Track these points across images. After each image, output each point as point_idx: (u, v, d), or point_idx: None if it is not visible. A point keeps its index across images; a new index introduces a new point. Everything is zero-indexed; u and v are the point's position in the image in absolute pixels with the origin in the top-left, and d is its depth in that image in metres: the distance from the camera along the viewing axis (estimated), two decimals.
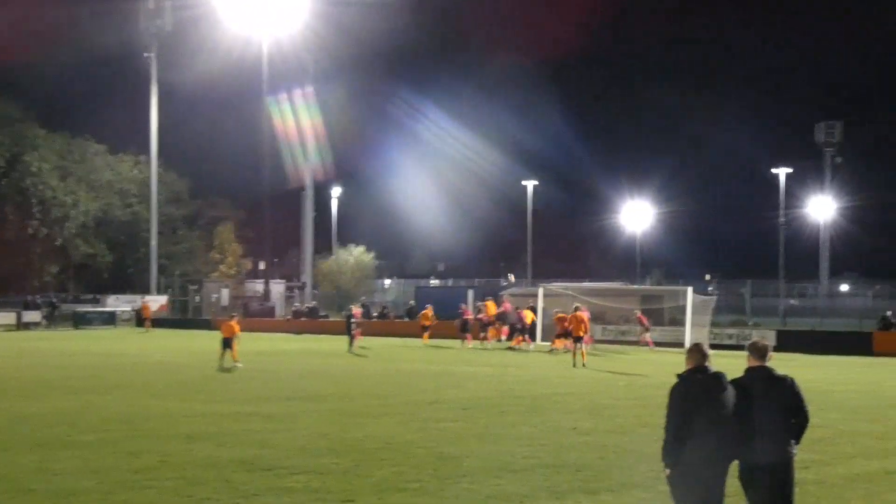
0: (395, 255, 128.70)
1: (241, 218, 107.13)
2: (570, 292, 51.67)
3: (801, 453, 10.06)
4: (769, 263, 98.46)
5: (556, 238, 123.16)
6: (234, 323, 34.81)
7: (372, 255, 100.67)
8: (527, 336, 47.52)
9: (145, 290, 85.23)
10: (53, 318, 73.21)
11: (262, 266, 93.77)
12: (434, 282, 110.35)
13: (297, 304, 79.44)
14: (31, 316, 71.92)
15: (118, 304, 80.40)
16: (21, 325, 69.89)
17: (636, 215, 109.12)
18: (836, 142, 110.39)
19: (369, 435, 18.15)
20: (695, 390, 9.50)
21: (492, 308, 50.01)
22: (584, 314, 42.40)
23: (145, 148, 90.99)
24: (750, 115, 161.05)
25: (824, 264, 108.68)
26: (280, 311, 79.65)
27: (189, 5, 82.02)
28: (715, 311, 50.42)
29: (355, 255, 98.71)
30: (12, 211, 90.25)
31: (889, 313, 48.75)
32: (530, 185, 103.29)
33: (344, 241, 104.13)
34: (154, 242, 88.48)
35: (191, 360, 37.53)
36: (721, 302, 58.85)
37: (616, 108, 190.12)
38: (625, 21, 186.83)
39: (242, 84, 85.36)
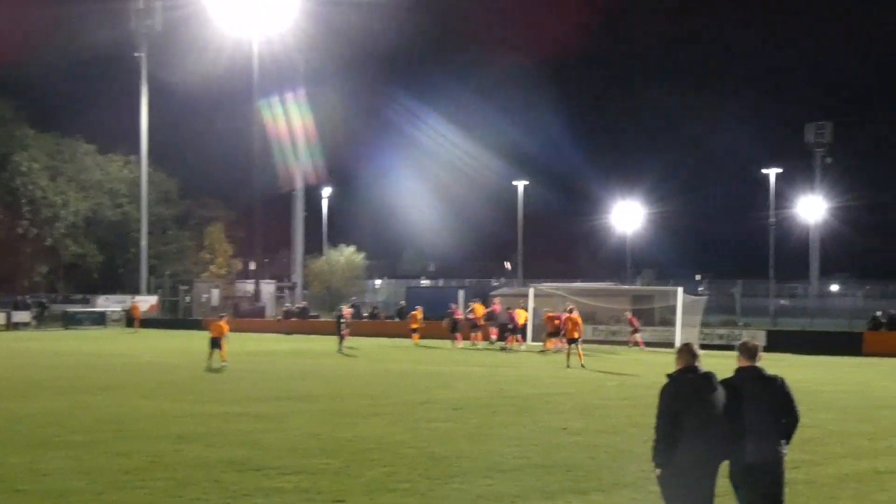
0: (386, 255, 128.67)
1: (231, 218, 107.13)
2: (561, 292, 51.74)
3: (791, 453, 10.06)
4: (759, 264, 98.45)
5: (547, 238, 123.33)
6: (222, 323, 34.82)
7: (362, 255, 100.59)
8: (518, 336, 47.54)
9: (135, 291, 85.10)
10: (43, 319, 73.05)
11: (252, 266, 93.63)
12: (425, 282, 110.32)
13: (287, 304, 79.32)
14: (21, 316, 71.73)
15: (108, 304, 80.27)
16: (10, 326, 69.70)
17: (627, 215, 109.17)
18: (826, 142, 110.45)
19: (360, 435, 18.15)
20: (685, 390, 9.50)
21: (479, 310, 49.95)
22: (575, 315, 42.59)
23: (135, 148, 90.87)
24: (740, 116, 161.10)
25: (814, 264, 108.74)
26: (270, 312, 79.53)
27: (179, 5, 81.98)
28: (705, 312, 50.46)
29: (346, 255, 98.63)
30: (2, 211, 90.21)
31: (879, 313, 48.87)
32: (521, 185, 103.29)
33: (334, 241, 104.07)
34: (144, 242, 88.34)
35: (181, 361, 37.48)
36: (711, 302, 58.87)
37: (607, 109, 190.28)
38: (616, 22, 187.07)
39: (233, 84, 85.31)
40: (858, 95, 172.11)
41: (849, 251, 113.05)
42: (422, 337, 50.90)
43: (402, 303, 67.96)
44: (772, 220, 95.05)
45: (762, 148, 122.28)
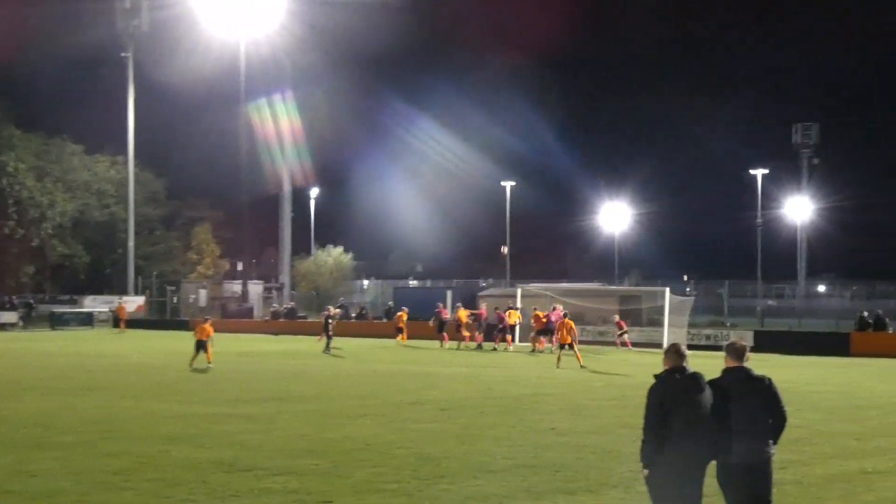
0: (374, 256, 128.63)
1: (218, 218, 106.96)
2: (549, 293, 51.78)
3: (778, 453, 10.09)
4: (747, 264, 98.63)
5: (535, 239, 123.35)
6: (207, 326, 34.80)
7: (350, 255, 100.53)
8: (507, 336, 47.49)
9: (123, 291, 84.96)
10: (30, 319, 72.88)
11: (239, 267, 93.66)
12: (413, 282, 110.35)
13: (275, 304, 79.30)
14: (8, 317, 71.59)
15: (95, 304, 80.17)
16: None
17: (614, 216, 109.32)
18: (813, 143, 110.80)
19: (348, 436, 18.14)
20: (672, 391, 9.52)
21: (463, 316, 49.72)
22: (557, 315, 42.71)
23: (122, 148, 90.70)
24: (727, 117, 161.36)
25: (801, 265, 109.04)
26: (258, 312, 79.49)
27: (166, 5, 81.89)
28: (692, 312, 50.54)
29: (333, 255, 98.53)
30: None
31: (866, 314, 49.00)
32: (508, 185, 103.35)
33: (322, 242, 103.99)
34: (131, 243, 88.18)
35: (168, 361, 37.41)
36: (699, 302, 59.03)
37: (594, 111, 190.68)
38: (604, 25, 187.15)
39: (221, 85, 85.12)
40: (845, 96, 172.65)
41: (836, 252, 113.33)
42: (408, 337, 50.81)
43: (390, 303, 67.96)
44: (759, 220, 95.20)
45: (749, 149, 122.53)
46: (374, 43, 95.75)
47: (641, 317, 54.51)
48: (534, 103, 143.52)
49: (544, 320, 45.17)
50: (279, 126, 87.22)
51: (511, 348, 46.35)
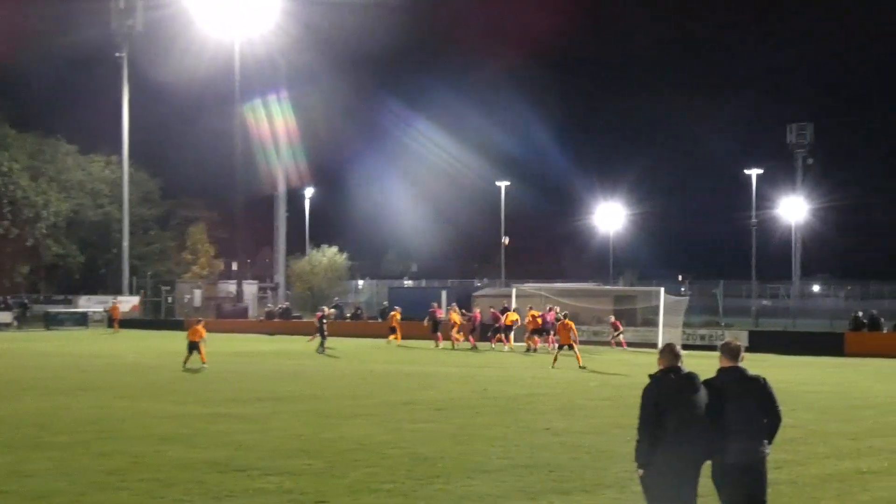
0: (369, 256, 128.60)
1: (213, 218, 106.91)
2: (544, 293, 51.81)
3: (773, 453, 10.09)
4: (741, 264, 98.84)
5: (530, 239, 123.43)
6: (200, 327, 34.83)
7: (345, 255, 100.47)
8: (502, 336, 47.45)
9: (117, 291, 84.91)
10: (24, 319, 72.82)
11: (234, 267, 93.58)
12: (408, 282, 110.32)
13: (269, 304, 79.27)
14: (2, 317, 71.57)
15: (90, 304, 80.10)
16: None
17: (609, 216, 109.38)
18: (808, 143, 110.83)
19: (343, 436, 18.13)
20: (667, 391, 9.52)
21: (455, 317, 49.53)
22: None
23: (117, 148, 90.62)
24: (722, 117, 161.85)
25: (796, 265, 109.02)
26: (253, 312, 79.48)
27: (160, 5, 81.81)
28: (687, 312, 50.57)
29: (328, 255, 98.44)
30: None
31: (860, 314, 49.08)
32: (503, 185, 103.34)
33: (317, 242, 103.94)
34: (126, 243, 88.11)
35: (163, 362, 37.37)
36: (693, 302, 59.11)
37: (589, 111, 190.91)
38: (600, 26, 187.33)
39: (215, 85, 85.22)
40: (840, 97, 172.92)
41: (830, 252, 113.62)
42: (403, 337, 50.73)
43: (386, 303, 67.94)
44: (754, 220, 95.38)
45: (744, 149, 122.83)
46: (369, 42, 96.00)
47: (636, 317, 54.58)
48: (529, 103, 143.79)
49: (539, 321, 45.19)
50: (274, 126, 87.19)
51: (507, 348, 46.32)
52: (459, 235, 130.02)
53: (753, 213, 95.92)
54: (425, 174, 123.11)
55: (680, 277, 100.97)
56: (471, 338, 48.72)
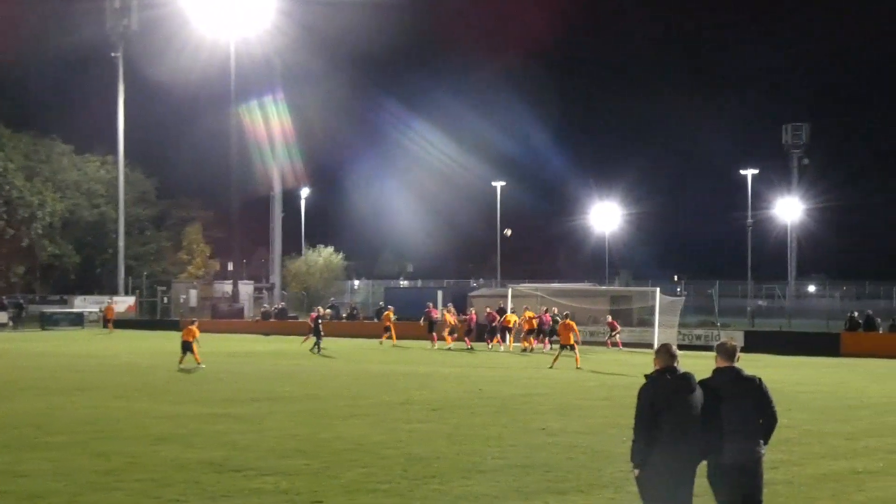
0: (365, 256, 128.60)
1: (208, 218, 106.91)
2: (539, 293, 51.78)
3: (769, 453, 10.10)
4: (737, 265, 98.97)
5: (526, 239, 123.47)
6: (194, 327, 34.87)
7: (341, 255, 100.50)
8: (497, 336, 47.41)
9: (113, 291, 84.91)
10: (20, 320, 72.66)
11: (230, 267, 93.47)
12: (403, 283, 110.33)
13: (265, 305, 79.21)
14: None
15: (85, 304, 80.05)
16: None
17: (605, 217, 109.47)
18: (803, 143, 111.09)
19: (339, 436, 18.13)
20: (663, 391, 9.52)
21: (450, 318, 49.42)
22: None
23: (112, 148, 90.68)
24: (718, 117, 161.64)
25: (792, 265, 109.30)
26: (249, 313, 79.39)
27: (156, 4, 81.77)
28: (683, 312, 50.54)
29: (324, 255, 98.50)
30: None
31: (856, 314, 49.08)
32: (499, 185, 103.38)
33: (313, 242, 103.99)
34: (121, 243, 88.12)
35: (159, 362, 37.34)
36: (689, 303, 59.09)
37: (585, 111, 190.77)
38: (595, 26, 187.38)
39: (211, 84, 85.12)
40: (835, 97, 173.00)
41: (826, 252, 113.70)
42: (398, 337, 50.58)
43: (382, 303, 67.90)
44: (749, 221, 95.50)
45: (740, 149, 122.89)
46: (364, 42, 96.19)
47: (632, 317, 54.58)
48: (525, 103, 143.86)
49: (535, 323, 45.17)
50: (270, 126, 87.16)
51: (502, 348, 46.29)
52: (455, 236, 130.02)
53: (749, 213, 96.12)
54: (421, 174, 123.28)
55: (676, 277, 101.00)
56: (466, 339, 48.64)
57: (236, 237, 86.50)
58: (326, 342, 44.86)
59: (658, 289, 49.57)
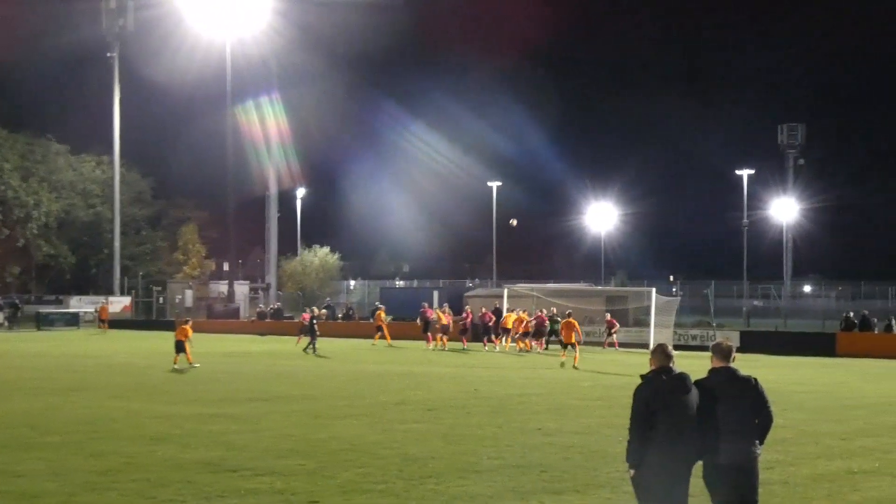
0: (360, 257, 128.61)
1: (204, 218, 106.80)
2: (535, 293, 51.77)
3: (765, 454, 10.11)
4: (733, 265, 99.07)
5: (522, 239, 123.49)
6: (187, 327, 34.88)
7: (336, 255, 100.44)
8: (493, 336, 47.34)
9: (109, 292, 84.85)
10: (16, 320, 72.58)
11: (226, 267, 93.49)
12: (399, 283, 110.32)
13: (261, 305, 79.19)
14: None
15: (81, 305, 79.99)
16: None
17: (601, 217, 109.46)
18: (799, 143, 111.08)
19: (334, 436, 18.12)
20: (659, 391, 9.52)
21: (443, 319, 49.25)
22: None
23: (108, 148, 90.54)
24: (713, 118, 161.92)
25: (787, 266, 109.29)
26: (244, 313, 79.38)
27: (152, 4, 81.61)
28: (679, 312, 50.59)
29: (320, 255, 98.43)
30: None
31: (851, 314, 49.16)
32: (495, 186, 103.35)
33: (309, 242, 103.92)
34: (117, 243, 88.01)
35: (154, 362, 37.32)
36: (685, 303, 59.14)
37: (581, 112, 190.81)
38: (592, 26, 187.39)
39: (207, 85, 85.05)
40: (831, 98, 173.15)
41: (821, 252, 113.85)
42: (392, 337, 50.47)
43: (377, 304, 67.86)
44: (745, 221, 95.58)
45: (736, 150, 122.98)
46: (361, 43, 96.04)
47: (628, 317, 54.57)
48: (521, 104, 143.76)
49: (529, 327, 45.10)
50: (266, 126, 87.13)
51: (497, 349, 46.28)
52: (451, 236, 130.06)
53: (745, 213, 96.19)
54: (417, 174, 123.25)
55: (671, 278, 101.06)
56: (463, 339, 48.60)
57: (232, 237, 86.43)
58: (322, 342, 44.81)
59: (654, 289, 49.60)
